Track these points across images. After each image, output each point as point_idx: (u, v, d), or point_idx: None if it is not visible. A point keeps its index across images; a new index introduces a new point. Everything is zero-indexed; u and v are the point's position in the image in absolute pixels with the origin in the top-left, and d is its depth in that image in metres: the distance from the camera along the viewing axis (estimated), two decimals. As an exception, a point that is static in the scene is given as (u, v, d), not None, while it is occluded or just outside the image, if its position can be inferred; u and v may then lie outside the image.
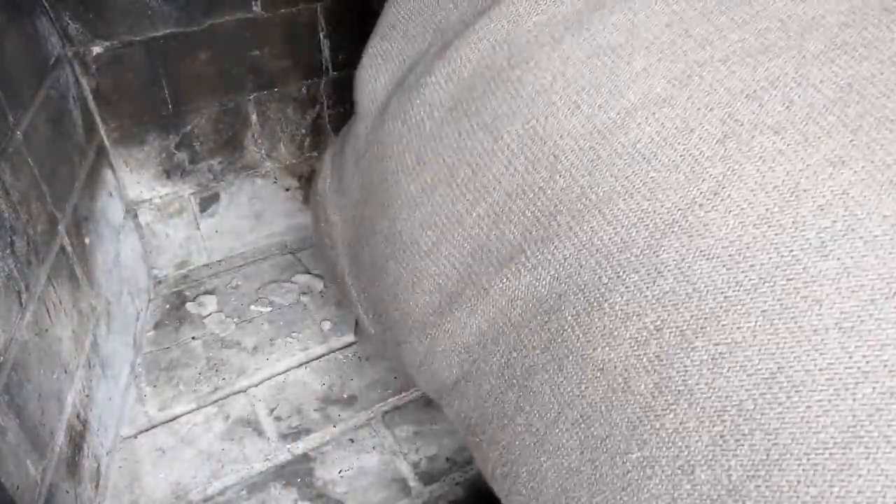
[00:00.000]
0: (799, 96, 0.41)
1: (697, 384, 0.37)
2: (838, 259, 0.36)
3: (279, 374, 0.92)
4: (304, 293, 1.05)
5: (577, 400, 0.41)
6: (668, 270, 0.39)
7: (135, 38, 0.89)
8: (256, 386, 0.91)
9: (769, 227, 0.38)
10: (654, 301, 0.39)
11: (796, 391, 0.35)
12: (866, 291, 0.35)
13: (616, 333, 0.40)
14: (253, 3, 0.94)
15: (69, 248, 0.78)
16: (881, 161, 0.38)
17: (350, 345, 0.96)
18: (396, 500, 0.77)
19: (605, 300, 0.40)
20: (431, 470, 0.80)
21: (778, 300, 0.36)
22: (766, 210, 0.38)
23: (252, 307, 1.03)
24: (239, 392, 0.90)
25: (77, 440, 0.72)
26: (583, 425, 0.41)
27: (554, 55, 0.47)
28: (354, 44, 1.05)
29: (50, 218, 0.74)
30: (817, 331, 0.35)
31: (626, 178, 0.42)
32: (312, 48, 1.02)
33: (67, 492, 0.67)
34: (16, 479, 0.57)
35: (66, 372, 0.71)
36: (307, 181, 1.13)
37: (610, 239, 0.41)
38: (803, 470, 0.34)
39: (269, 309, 1.02)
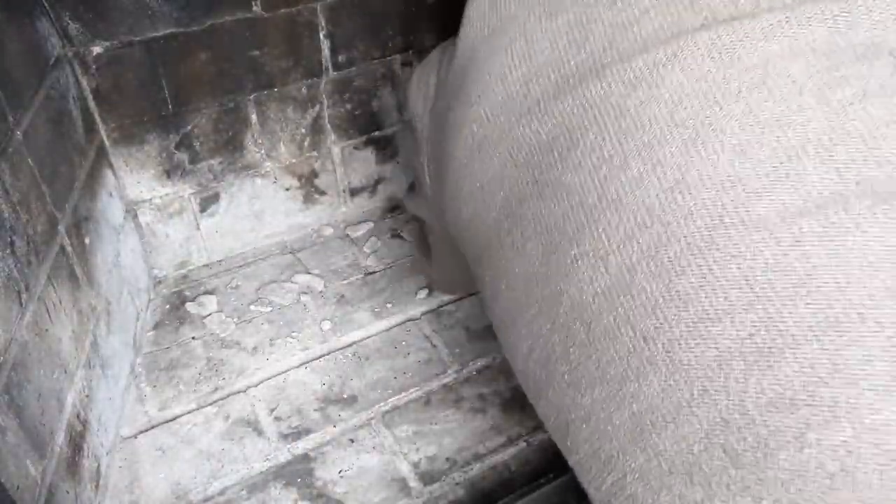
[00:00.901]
0: None
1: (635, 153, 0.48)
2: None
3: (279, 374, 0.92)
4: (304, 293, 1.05)
5: (545, 218, 0.53)
6: (643, 77, 0.49)
7: (135, 38, 0.89)
8: (256, 386, 0.91)
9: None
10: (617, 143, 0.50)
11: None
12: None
13: (582, 163, 0.50)
14: (253, 2, 0.94)
15: (69, 248, 0.78)
16: None
17: (350, 345, 0.96)
18: (396, 500, 0.77)
19: (585, 139, 0.51)
20: (431, 470, 0.80)
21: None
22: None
23: (252, 307, 1.03)
24: (239, 392, 0.90)
25: (77, 440, 0.72)
26: (545, 236, 0.52)
27: None
28: (354, 44, 1.06)
29: (50, 218, 0.74)
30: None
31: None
32: (312, 48, 1.02)
33: (67, 492, 0.67)
34: (16, 479, 0.57)
35: (66, 372, 0.71)
36: (307, 181, 1.14)
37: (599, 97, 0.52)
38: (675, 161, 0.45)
39: (269, 309, 1.02)
